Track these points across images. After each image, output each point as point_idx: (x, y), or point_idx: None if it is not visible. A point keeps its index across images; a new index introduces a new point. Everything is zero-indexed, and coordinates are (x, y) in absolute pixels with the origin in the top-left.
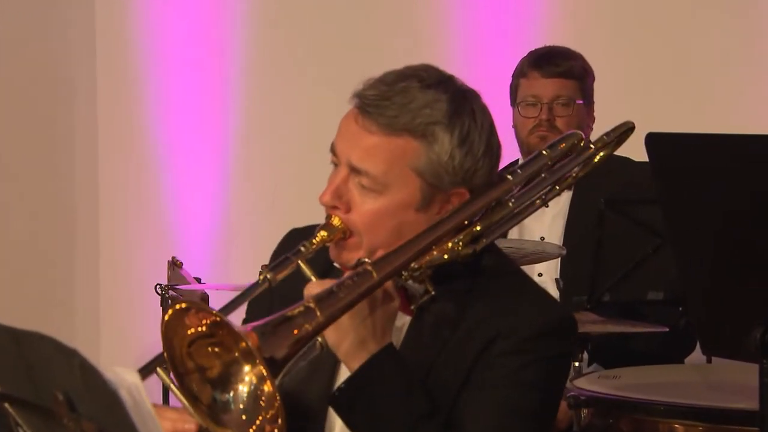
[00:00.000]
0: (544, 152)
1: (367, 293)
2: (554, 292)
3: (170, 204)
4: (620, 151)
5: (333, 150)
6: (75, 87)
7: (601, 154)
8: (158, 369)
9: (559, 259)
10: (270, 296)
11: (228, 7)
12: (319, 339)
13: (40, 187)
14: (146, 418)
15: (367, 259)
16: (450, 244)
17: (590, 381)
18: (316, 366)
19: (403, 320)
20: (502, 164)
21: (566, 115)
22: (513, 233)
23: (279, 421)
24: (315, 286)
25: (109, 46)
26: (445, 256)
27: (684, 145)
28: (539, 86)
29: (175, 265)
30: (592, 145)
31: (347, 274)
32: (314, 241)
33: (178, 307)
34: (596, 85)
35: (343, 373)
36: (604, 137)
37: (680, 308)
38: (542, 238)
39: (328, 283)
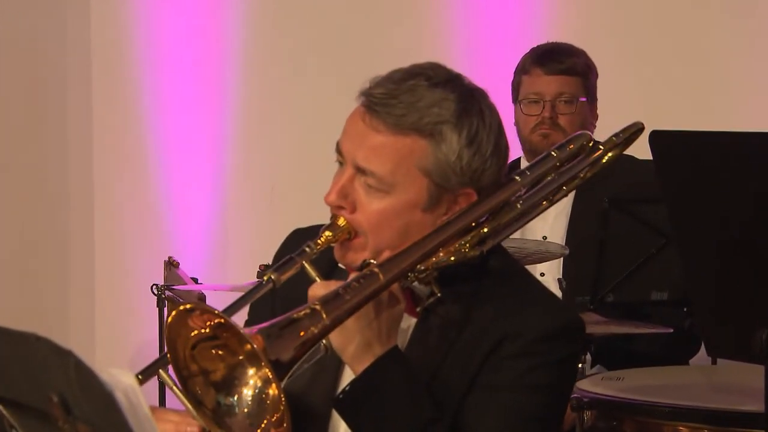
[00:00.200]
0: (552, 153)
1: (374, 295)
2: (557, 293)
3: (166, 203)
4: None
5: (338, 149)
6: (69, 85)
7: (610, 154)
8: (161, 371)
9: (562, 258)
10: (272, 297)
11: (225, 5)
12: (324, 341)
13: (34, 186)
14: (143, 421)
15: (373, 261)
16: (456, 246)
17: (593, 383)
18: (320, 368)
19: (409, 322)
20: None
21: (569, 113)
22: (515, 233)
23: (284, 425)
24: (320, 288)
25: (103, 44)
26: (452, 258)
27: (688, 142)
28: (542, 83)
29: (171, 265)
30: (601, 146)
31: (353, 276)
32: (319, 241)
33: (182, 308)
34: (599, 82)
35: (347, 376)
36: (614, 138)
37: (685, 309)
38: (545, 238)
39: (332, 285)
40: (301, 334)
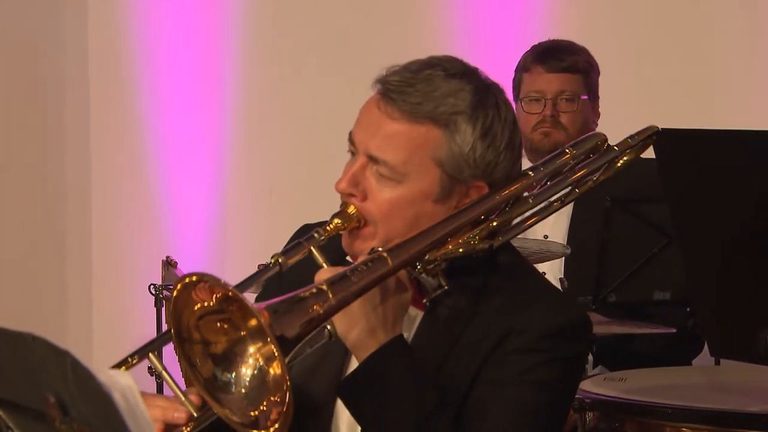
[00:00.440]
0: (566, 150)
1: (381, 280)
2: None
3: (165, 203)
4: None
5: (350, 139)
6: (67, 84)
7: (625, 158)
8: (150, 355)
9: (563, 258)
10: (279, 282)
11: (223, 5)
12: (328, 327)
13: (31, 186)
14: (140, 421)
15: (380, 248)
16: (466, 238)
17: (595, 383)
18: (325, 357)
19: (416, 312)
20: None
21: (571, 111)
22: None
23: (286, 405)
24: (326, 273)
25: (101, 43)
26: (461, 250)
27: (691, 141)
28: (543, 81)
29: (169, 264)
30: (616, 147)
31: (361, 259)
32: (328, 228)
33: (188, 280)
34: (601, 80)
35: (353, 366)
36: (629, 140)
37: (687, 309)
38: (546, 237)
39: (340, 270)
40: (307, 312)
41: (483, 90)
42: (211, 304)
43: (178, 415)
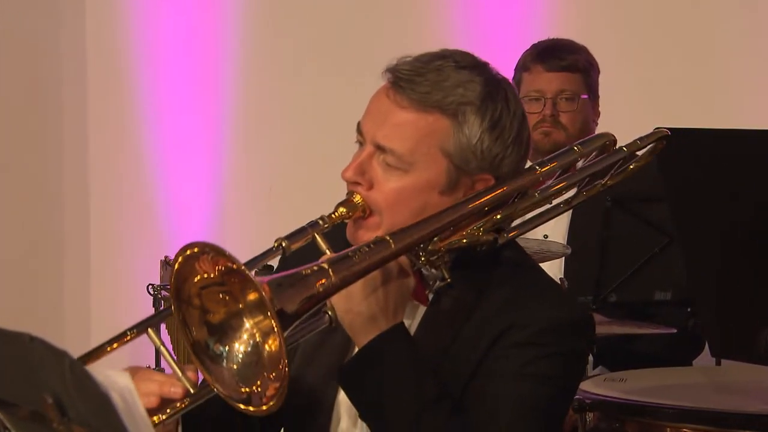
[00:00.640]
0: (575, 148)
1: (383, 263)
2: None
3: (163, 203)
4: None
5: (359, 129)
6: (65, 84)
7: (635, 164)
8: (149, 330)
9: (563, 258)
10: (283, 268)
11: (222, 4)
12: (329, 312)
13: (29, 186)
14: (138, 422)
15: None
16: (470, 230)
17: (596, 384)
18: (327, 345)
19: (419, 305)
20: None
21: (571, 110)
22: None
23: (282, 382)
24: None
25: (99, 42)
26: (464, 241)
27: (691, 140)
28: (543, 80)
29: (168, 264)
30: (624, 148)
31: (364, 242)
32: (333, 215)
33: (188, 252)
34: (601, 80)
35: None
36: (638, 142)
37: (688, 309)
38: (546, 237)
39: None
40: (308, 288)
41: (493, 83)
42: (213, 275)
43: (175, 390)
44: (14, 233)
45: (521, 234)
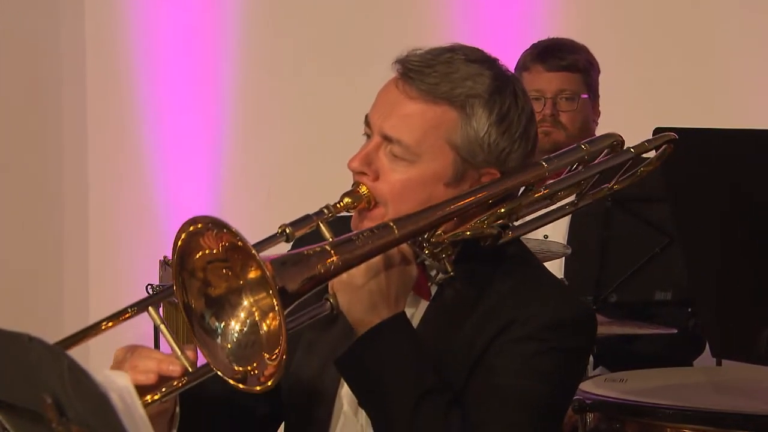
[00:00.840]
0: (582, 146)
1: (386, 248)
2: None
3: (162, 202)
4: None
5: (366, 121)
6: (64, 84)
7: (643, 169)
8: (150, 308)
9: (563, 258)
10: None
11: (221, 4)
12: (330, 300)
13: (28, 186)
14: (138, 422)
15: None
16: (474, 222)
17: (596, 384)
18: (329, 333)
19: (422, 300)
20: None
21: (571, 110)
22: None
23: (280, 361)
24: None
25: (99, 41)
26: (468, 233)
27: (692, 139)
28: (543, 80)
29: (167, 264)
30: (632, 149)
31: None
32: (338, 205)
33: (192, 228)
34: (602, 79)
35: None
36: (645, 144)
37: (688, 309)
38: (546, 237)
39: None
40: (310, 269)
41: (502, 77)
42: (216, 251)
43: (173, 368)
44: (14, 233)
45: (526, 233)
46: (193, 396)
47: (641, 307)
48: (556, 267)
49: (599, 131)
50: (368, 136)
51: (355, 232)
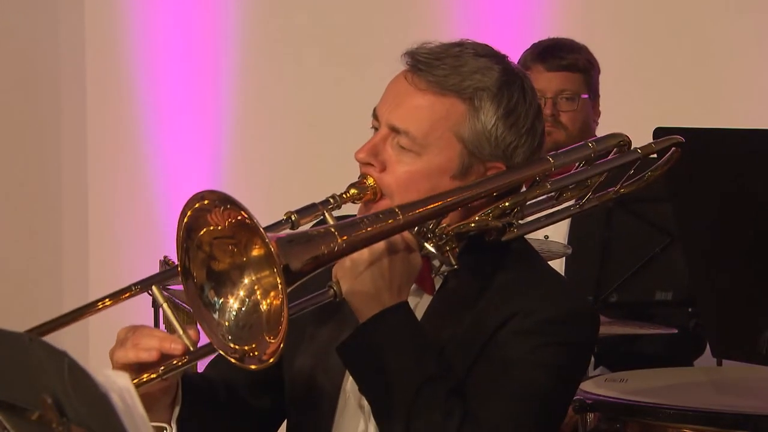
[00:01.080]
0: (589, 144)
1: (390, 233)
2: None
3: (162, 202)
4: None
5: (374, 114)
6: (63, 83)
7: (650, 173)
8: (154, 287)
9: (564, 258)
10: None
11: (221, 4)
12: (334, 287)
13: (27, 186)
14: (138, 423)
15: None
16: (479, 216)
17: (596, 384)
18: (335, 321)
19: (424, 296)
20: None
21: (571, 110)
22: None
23: (280, 340)
24: None
25: (98, 41)
26: (473, 225)
27: (693, 139)
28: (543, 80)
29: (167, 264)
30: (639, 150)
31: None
32: (344, 195)
33: (198, 205)
34: (602, 79)
35: None
36: (652, 145)
37: (689, 309)
38: (546, 237)
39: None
40: (314, 249)
41: (511, 73)
42: (222, 228)
43: (175, 346)
44: (13, 233)
45: (530, 231)
46: (194, 390)
47: (642, 307)
48: (556, 267)
49: (599, 131)
50: (376, 129)
51: (359, 216)
